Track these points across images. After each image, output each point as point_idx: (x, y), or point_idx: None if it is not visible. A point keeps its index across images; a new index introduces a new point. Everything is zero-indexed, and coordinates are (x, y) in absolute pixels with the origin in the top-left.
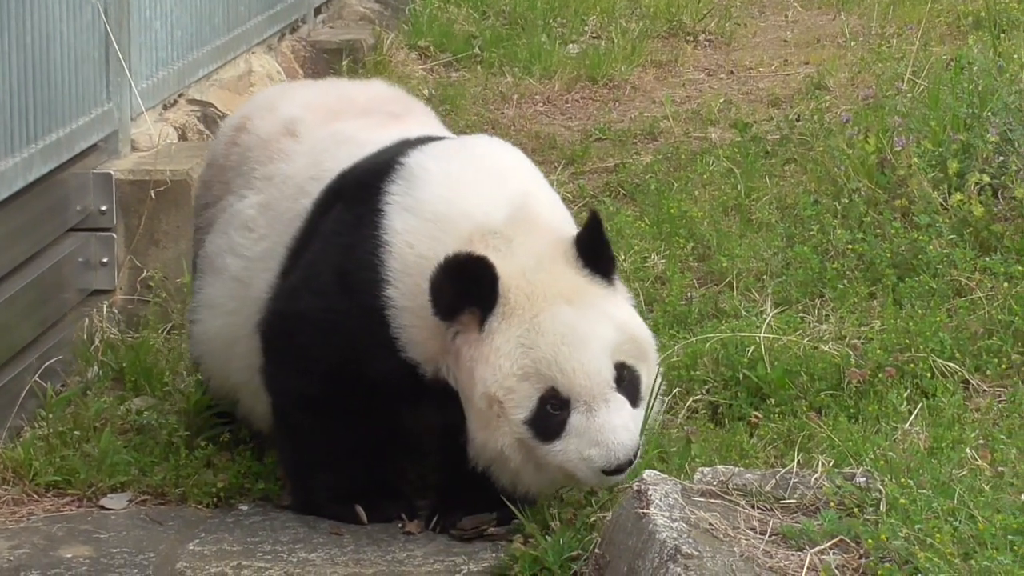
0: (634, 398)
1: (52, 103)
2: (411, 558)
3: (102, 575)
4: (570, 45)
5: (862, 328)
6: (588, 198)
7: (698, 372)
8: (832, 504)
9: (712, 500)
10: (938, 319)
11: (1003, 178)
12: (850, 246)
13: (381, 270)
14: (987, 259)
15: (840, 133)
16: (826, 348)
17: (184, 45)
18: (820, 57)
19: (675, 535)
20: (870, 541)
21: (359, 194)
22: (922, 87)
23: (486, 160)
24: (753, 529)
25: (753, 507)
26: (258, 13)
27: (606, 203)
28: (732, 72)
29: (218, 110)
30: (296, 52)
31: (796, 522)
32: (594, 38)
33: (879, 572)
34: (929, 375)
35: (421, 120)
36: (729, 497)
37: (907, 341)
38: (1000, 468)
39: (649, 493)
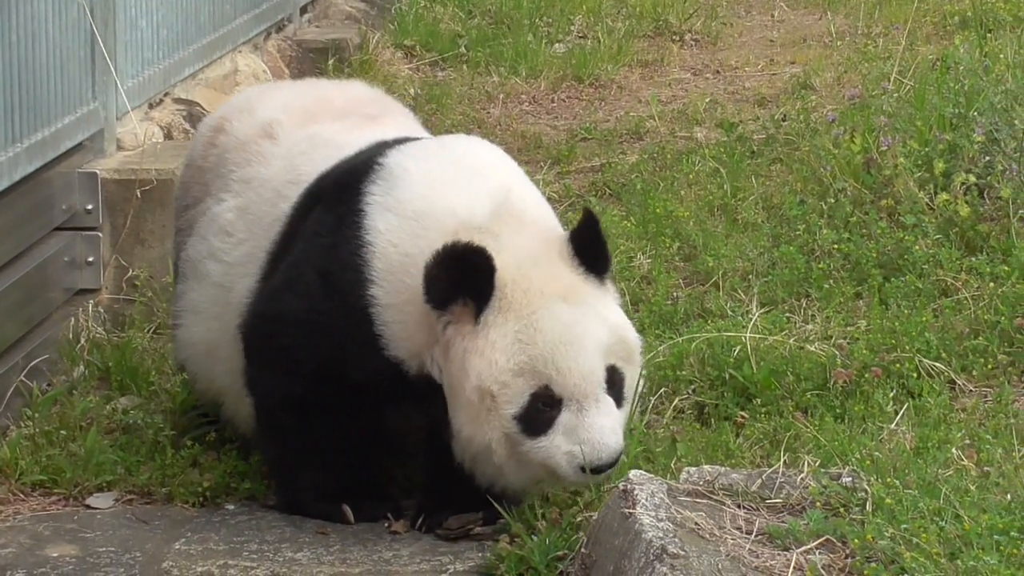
0: (619, 399)
1: (37, 102)
2: (397, 557)
3: (88, 574)
4: (556, 45)
5: (848, 328)
6: (574, 198)
7: (684, 372)
8: (818, 504)
9: (698, 500)
10: (924, 319)
11: (989, 178)
12: (836, 246)
13: (365, 270)
14: (973, 259)
15: (826, 133)
16: (812, 348)
17: (170, 44)
18: (806, 57)
19: (661, 535)
20: (856, 541)
21: (339, 195)
22: (908, 87)
23: (466, 158)
24: (739, 529)
25: (739, 507)
26: (244, 12)
27: (592, 203)
28: (718, 72)
29: (204, 109)
30: (282, 51)
31: (782, 522)
32: (580, 38)
33: (865, 572)
34: (915, 375)
35: (399, 121)
36: (715, 497)
37: (893, 341)
38: (986, 468)
39: (635, 493)
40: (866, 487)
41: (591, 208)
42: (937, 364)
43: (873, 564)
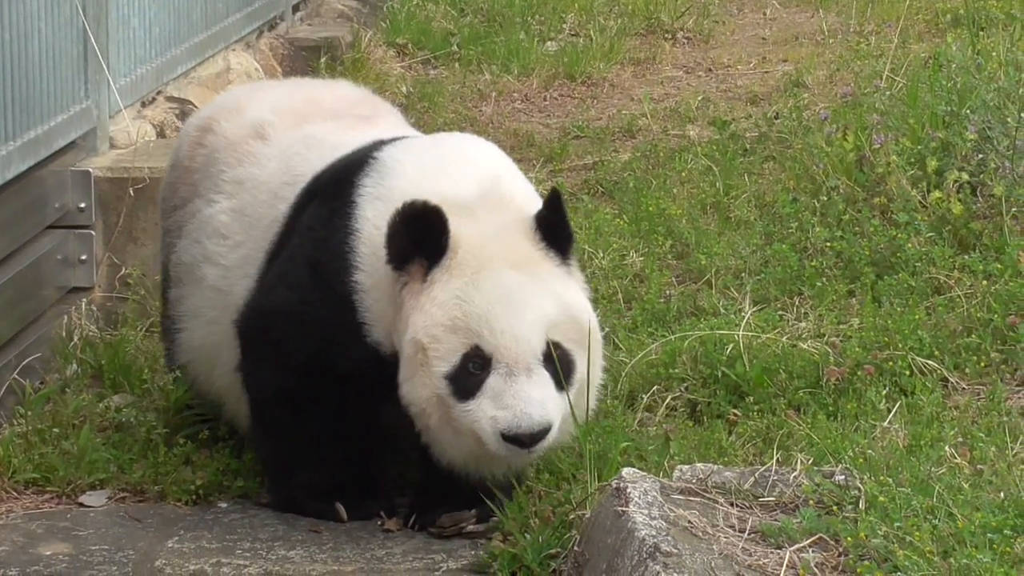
0: (561, 382)
1: (30, 100)
2: (390, 556)
3: (81, 572)
4: (548, 43)
5: (841, 326)
6: (566, 195)
7: (677, 370)
8: (811, 502)
9: (691, 498)
10: (917, 317)
11: (982, 176)
12: (829, 244)
13: (351, 256)
14: (966, 257)
15: (819, 131)
16: (805, 346)
17: (162, 42)
18: (798, 55)
19: (654, 533)
20: (849, 539)
21: (333, 190)
22: (901, 85)
23: (459, 151)
24: (732, 527)
25: (732, 505)
26: (236, 10)
27: (584, 201)
28: (710, 70)
29: (196, 107)
30: (274, 49)
31: (775, 520)
32: (572, 36)
33: (858, 570)
34: (908, 373)
35: (390, 121)
36: (708, 495)
37: (886, 339)
38: (979, 466)
39: (628, 491)
40: (859, 485)
41: (557, 187)
42: (930, 362)
43: (866, 562)
